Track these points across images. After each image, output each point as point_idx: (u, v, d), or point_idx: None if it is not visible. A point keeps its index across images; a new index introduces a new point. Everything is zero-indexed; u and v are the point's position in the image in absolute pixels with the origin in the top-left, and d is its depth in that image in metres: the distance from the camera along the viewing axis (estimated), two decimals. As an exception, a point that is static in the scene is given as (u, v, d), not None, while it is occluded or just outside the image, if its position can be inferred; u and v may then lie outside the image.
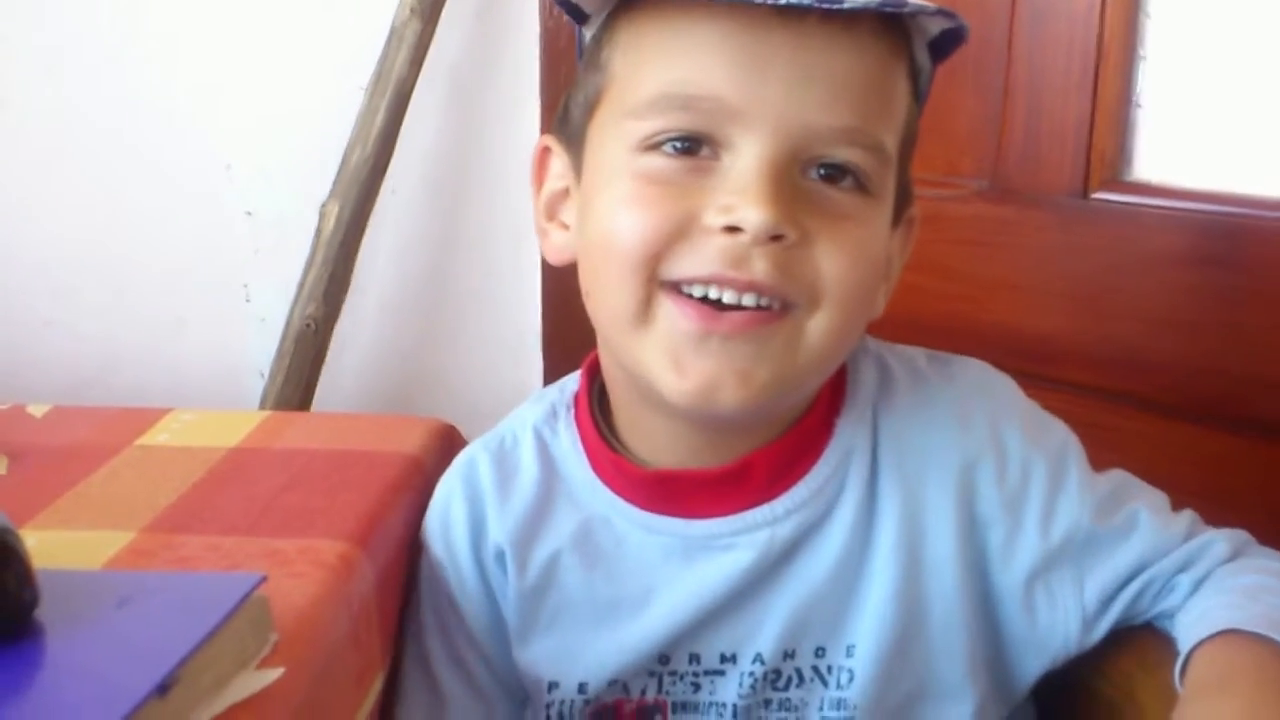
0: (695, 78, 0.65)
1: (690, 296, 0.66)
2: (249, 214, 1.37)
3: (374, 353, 1.39)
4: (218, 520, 0.77)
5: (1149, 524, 0.73)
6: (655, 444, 0.74)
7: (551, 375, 1.34)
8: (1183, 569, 0.73)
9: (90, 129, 1.36)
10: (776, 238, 0.64)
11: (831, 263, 0.66)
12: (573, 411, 0.78)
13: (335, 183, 1.27)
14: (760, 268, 0.64)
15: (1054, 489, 0.73)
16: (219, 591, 0.60)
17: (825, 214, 0.66)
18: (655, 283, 0.66)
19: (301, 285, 1.28)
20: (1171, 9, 1.05)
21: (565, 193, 0.74)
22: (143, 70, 1.35)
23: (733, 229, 0.64)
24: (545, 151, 0.75)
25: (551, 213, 0.75)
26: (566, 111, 0.73)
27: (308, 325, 1.27)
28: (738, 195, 0.64)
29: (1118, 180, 1.06)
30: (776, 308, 0.66)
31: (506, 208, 1.34)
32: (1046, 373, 1.06)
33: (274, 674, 0.60)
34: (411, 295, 1.38)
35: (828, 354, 0.69)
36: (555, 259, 0.75)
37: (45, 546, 0.63)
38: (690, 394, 0.66)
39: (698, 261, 0.65)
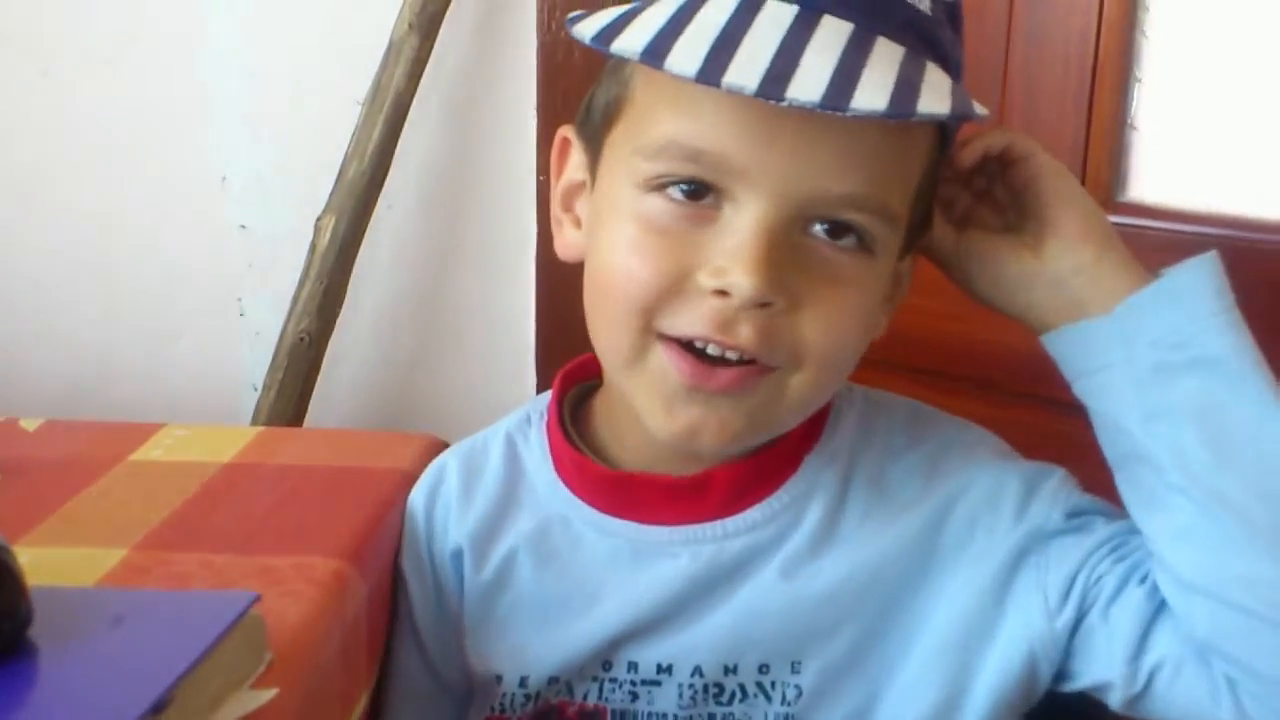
0: (704, 132, 0.65)
1: (680, 346, 0.68)
2: (244, 227, 1.37)
3: (368, 367, 1.38)
4: (211, 537, 0.77)
5: (1126, 523, 0.72)
6: (631, 440, 0.76)
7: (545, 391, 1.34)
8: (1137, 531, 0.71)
9: (84, 140, 1.36)
10: (764, 304, 0.66)
11: (816, 329, 0.67)
12: (545, 418, 0.81)
13: (331, 197, 1.27)
14: (744, 333, 0.66)
15: (1028, 493, 0.74)
16: (214, 610, 0.60)
17: (819, 276, 0.67)
18: (650, 332, 0.68)
19: (296, 299, 1.28)
20: (1168, 30, 1.05)
21: (582, 185, 0.75)
22: (138, 81, 1.35)
23: (722, 293, 0.66)
24: (565, 142, 0.76)
25: (568, 204, 0.76)
26: (589, 109, 0.74)
27: (302, 339, 1.27)
28: (731, 259, 0.65)
29: (1113, 202, 1.06)
30: (758, 366, 0.68)
31: (503, 223, 1.34)
32: (1039, 391, 1.05)
33: (268, 694, 0.59)
34: (406, 310, 1.38)
35: (806, 405, 0.72)
36: (564, 256, 0.76)
37: (38, 563, 0.62)
38: (675, 434, 0.70)
39: (688, 320, 0.67)
